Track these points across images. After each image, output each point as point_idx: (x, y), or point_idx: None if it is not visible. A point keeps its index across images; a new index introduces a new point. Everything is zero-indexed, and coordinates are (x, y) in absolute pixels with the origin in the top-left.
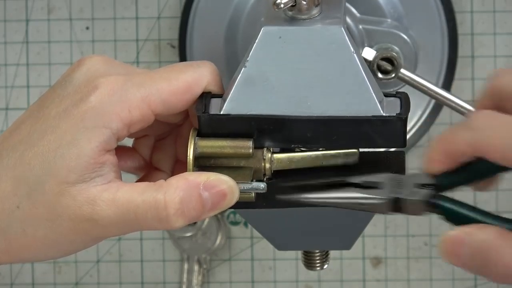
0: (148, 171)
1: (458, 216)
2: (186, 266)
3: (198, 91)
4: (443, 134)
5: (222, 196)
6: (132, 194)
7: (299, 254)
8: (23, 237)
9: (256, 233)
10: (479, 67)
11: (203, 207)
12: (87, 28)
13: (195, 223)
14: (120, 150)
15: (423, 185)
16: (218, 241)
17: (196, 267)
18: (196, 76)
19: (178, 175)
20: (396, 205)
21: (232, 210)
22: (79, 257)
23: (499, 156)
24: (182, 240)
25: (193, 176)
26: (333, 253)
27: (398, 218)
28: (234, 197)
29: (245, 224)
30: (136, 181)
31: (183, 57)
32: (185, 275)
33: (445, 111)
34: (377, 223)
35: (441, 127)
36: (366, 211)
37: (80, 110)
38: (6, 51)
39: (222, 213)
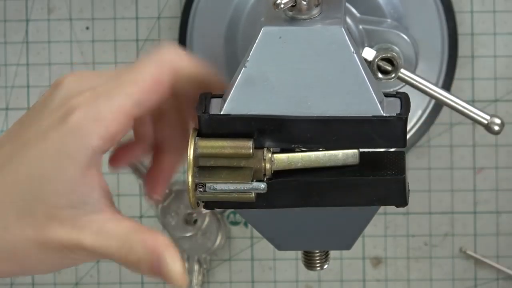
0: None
1: None
2: (186, 266)
3: (167, 78)
4: None
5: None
6: (124, 238)
7: (299, 254)
8: (12, 255)
9: (256, 233)
10: (479, 67)
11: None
12: (87, 28)
13: (195, 222)
14: (125, 145)
15: None
16: (218, 241)
17: (196, 267)
18: (159, 64)
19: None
20: None
21: (232, 210)
22: None
23: None
24: (182, 240)
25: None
26: (333, 253)
27: (398, 218)
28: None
29: (245, 224)
30: (148, 170)
31: None
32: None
33: (445, 111)
34: (377, 223)
35: (441, 127)
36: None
37: (59, 134)
38: (6, 51)
39: (222, 213)
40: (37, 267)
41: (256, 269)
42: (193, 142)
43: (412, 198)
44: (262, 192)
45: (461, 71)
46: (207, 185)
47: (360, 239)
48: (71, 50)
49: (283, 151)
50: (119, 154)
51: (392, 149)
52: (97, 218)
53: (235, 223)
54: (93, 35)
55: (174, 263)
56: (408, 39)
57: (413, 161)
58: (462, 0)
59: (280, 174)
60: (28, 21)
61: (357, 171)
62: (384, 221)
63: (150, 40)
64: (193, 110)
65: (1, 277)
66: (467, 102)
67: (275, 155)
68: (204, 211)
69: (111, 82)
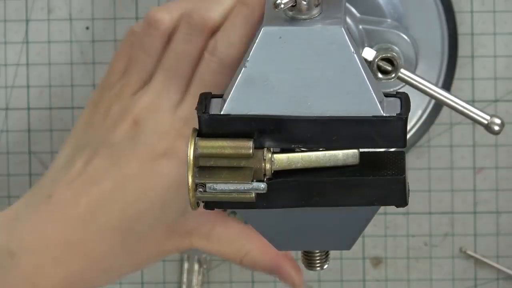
0: None
1: None
2: (186, 266)
3: None
4: None
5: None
6: (228, 239)
7: (299, 254)
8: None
9: None
10: (479, 67)
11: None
12: (87, 28)
13: None
14: None
15: None
16: None
17: (196, 267)
18: None
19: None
20: None
21: (232, 210)
22: None
23: None
24: None
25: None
26: (333, 253)
27: (398, 218)
28: None
29: (245, 224)
30: None
31: None
32: (185, 275)
33: (445, 111)
34: (377, 223)
35: (441, 127)
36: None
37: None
38: (6, 51)
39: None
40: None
41: None
42: (193, 142)
43: (412, 198)
44: (262, 192)
45: (461, 71)
46: (207, 185)
47: (360, 239)
48: (71, 50)
49: (283, 151)
50: None
51: (392, 149)
52: (205, 221)
53: None
54: (93, 35)
55: (292, 270)
56: (408, 39)
57: (413, 161)
58: (462, 0)
59: (280, 174)
60: (28, 21)
61: (357, 171)
62: (384, 221)
63: None
64: None
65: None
66: (467, 102)
67: (275, 155)
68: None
69: None
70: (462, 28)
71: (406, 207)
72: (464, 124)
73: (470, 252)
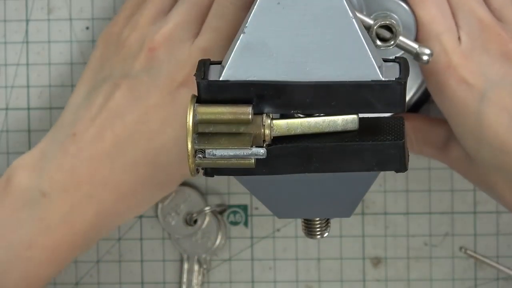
0: None
1: None
2: (186, 266)
3: None
4: None
5: None
6: None
7: (299, 254)
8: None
9: (256, 233)
10: None
11: None
12: (87, 28)
13: (195, 222)
14: None
15: None
16: (218, 241)
17: (196, 267)
18: None
19: None
20: None
21: (232, 210)
22: (79, 257)
23: None
24: (182, 240)
25: None
26: (333, 253)
27: (398, 218)
28: None
29: (245, 224)
30: None
31: None
32: (185, 275)
33: None
34: (377, 223)
35: None
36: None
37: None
38: (6, 51)
39: (222, 213)
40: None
41: (256, 269)
42: (192, 108)
43: (412, 198)
44: (261, 157)
45: None
46: (207, 151)
47: (360, 239)
48: (71, 50)
49: (282, 117)
50: None
51: (391, 115)
52: None
53: (235, 223)
54: (93, 35)
55: None
56: (406, 7)
57: (413, 161)
58: None
59: (280, 140)
60: (28, 21)
61: (356, 136)
62: (384, 221)
63: None
64: None
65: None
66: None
67: (274, 121)
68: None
69: None
70: None
71: (406, 207)
72: None
73: (470, 252)
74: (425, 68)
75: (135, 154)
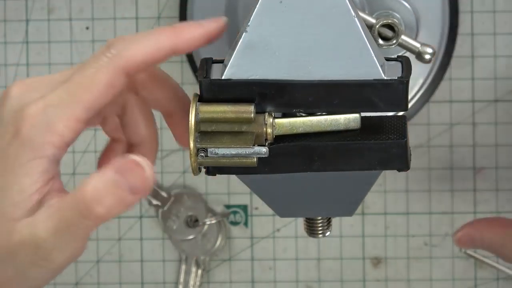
0: (131, 151)
1: None
2: (183, 267)
3: (120, 80)
4: None
5: (136, 176)
6: (60, 204)
7: (299, 254)
8: None
9: (256, 233)
10: (479, 67)
11: (120, 190)
12: (87, 28)
13: (196, 221)
14: (103, 156)
15: None
16: (218, 243)
17: (193, 269)
18: (111, 69)
19: None
20: None
21: (232, 210)
22: (79, 257)
23: None
24: (182, 241)
25: (108, 165)
26: (333, 253)
27: (398, 218)
28: (149, 174)
29: (245, 224)
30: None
31: None
32: (182, 276)
33: (446, 80)
34: (377, 223)
35: (441, 127)
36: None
37: (14, 148)
38: (6, 51)
39: (224, 217)
40: (29, 283)
41: (256, 269)
42: (194, 107)
43: (412, 198)
44: (263, 156)
45: (461, 71)
46: (209, 150)
47: (360, 239)
48: (71, 50)
49: (284, 116)
50: (104, 158)
51: (393, 114)
52: (47, 208)
53: (235, 223)
54: (93, 35)
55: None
56: (408, 6)
57: (413, 161)
58: (462, 0)
59: (282, 139)
60: (28, 21)
61: (359, 135)
62: (384, 221)
63: None
64: (153, 99)
65: None
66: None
67: (276, 120)
68: (208, 220)
69: (61, 90)
70: (462, 28)
71: (406, 207)
72: (464, 124)
73: (470, 252)
74: None
75: None
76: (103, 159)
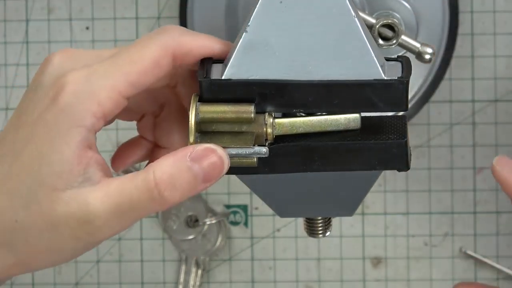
0: (155, 152)
1: None
2: (183, 267)
3: (167, 61)
4: None
5: (211, 164)
6: (123, 184)
7: (299, 254)
8: (27, 248)
9: (256, 233)
10: (479, 67)
11: (194, 178)
12: (87, 28)
13: (196, 221)
14: (128, 145)
15: None
16: (218, 243)
17: (193, 269)
18: (161, 47)
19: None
20: None
21: (232, 210)
22: (79, 257)
23: None
24: (182, 241)
25: (181, 151)
26: (333, 253)
27: (398, 218)
28: (224, 164)
29: (245, 224)
30: (146, 165)
31: None
32: (182, 275)
33: (446, 80)
34: (377, 223)
35: (441, 127)
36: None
37: (52, 114)
38: (6, 51)
39: (224, 217)
40: (56, 256)
41: (256, 269)
42: (194, 107)
43: (412, 198)
44: (263, 156)
45: (461, 71)
46: None
47: (360, 239)
48: None
49: (284, 116)
50: (125, 149)
51: (394, 114)
52: (100, 186)
53: (235, 223)
54: (93, 35)
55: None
56: (408, 6)
57: (413, 161)
58: (462, 0)
59: (282, 139)
60: (28, 21)
61: (359, 135)
62: (384, 221)
63: None
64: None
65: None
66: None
67: (276, 120)
68: (208, 220)
69: (106, 62)
70: (462, 28)
71: (406, 207)
72: (464, 124)
73: (470, 252)
74: None
75: None
76: (120, 156)
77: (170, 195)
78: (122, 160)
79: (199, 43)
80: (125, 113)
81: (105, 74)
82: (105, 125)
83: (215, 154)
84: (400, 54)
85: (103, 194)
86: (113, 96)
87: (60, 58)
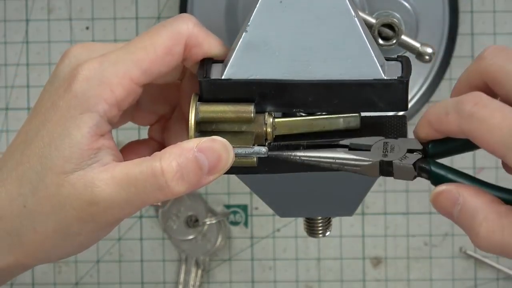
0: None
1: (445, 181)
2: (183, 267)
3: (179, 50)
4: (435, 108)
5: (217, 156)
6: (129, 168)
7: (299, 254)
8: (35, 235)
9: (256, 233)
10: None
11: (200, 169)
12: (87, 28)
13: (196, 221)
14: (135, 144)
15: (413, 151)
16: (218, 243)
17: (193, 269)
18: (173, 35)
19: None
20: (386, 169)
21: (232, 210)
22: (79, 257)
23: (490, 149)
24: (182, 241)
25: (187, 142)
26: (333, 253)
27: (398, 218)
28: (229, 156)
29: (245, 224)
30: None
31: None
32: (182, 275)
33: (446, 80)
34: (377, 223)
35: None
36: (358, 174)
37: (65, 101)
38: (6, 51)
39: (224, 217)
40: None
41: (256, 269)
42: (194, 107)
43: (412, 198)
44: (263, 156)
45: (461, 71)
46: None
47: (360, 239)
48: None
49: (284, 115)
50: (128, 152)
51: (394, 113)
52: (107, 168)
53: (235, 223)
54: (93, 35)
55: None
56: (408, 6)
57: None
58: (462, 0)
59: (282, 139)
60: (28, 21)
61: (359, 135)
62: (384, 221)
63: None
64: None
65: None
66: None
67: (276, 120)
68: (208, 220)
69: (119, 50)
70: (462, 28)
71: (405, 207)
72: None
73: (470, 252)
74: None
75: None
76: (131, 145)
77: (176, 185)
78: (127, 155)
79: (210, 40)
80: (141, 117)
81: (116, 61)
82: (119, 112)
83: (222, 146)
84: (400, 54)
85: (109, 176)
86: (125, 83)
87: (78, 50)
